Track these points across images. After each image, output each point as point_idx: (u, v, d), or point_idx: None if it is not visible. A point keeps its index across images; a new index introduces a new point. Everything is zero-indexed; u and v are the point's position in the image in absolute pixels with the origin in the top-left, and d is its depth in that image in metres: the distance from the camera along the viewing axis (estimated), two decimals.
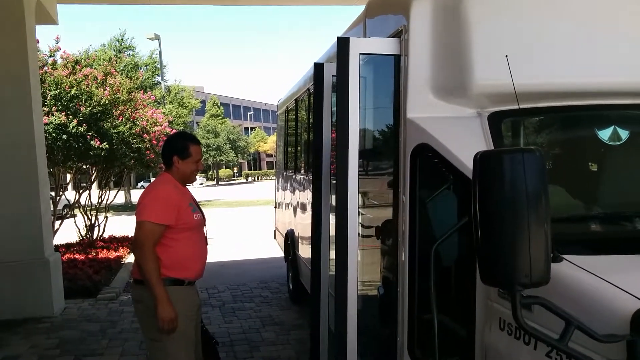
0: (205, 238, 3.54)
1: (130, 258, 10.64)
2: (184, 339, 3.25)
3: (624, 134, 2.77)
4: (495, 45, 2.61)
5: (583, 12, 2.76)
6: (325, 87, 3.92)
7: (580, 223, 2.64)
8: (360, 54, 2.95)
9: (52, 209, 8.99)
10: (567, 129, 3.09)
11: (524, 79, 2.50)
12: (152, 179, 26.10)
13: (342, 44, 2.94)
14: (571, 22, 2.72)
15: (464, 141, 2.63)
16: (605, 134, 2.76)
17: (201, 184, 49.45)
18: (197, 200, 3.64)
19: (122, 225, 13.49)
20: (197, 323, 3.44)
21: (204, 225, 3.53)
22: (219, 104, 57.52)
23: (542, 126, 3.07)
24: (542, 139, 3.08)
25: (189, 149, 3.38)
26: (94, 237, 11.66)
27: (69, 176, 12.45)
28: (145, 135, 11.27)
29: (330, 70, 3.75)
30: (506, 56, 2.39)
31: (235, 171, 63.61)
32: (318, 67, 3.91)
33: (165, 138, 12.49)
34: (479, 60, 2.64)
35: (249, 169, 68.67)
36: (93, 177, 12.11)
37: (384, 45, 2.98)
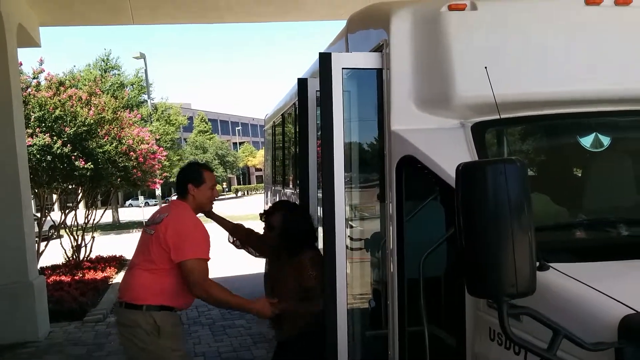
0: None
1: (118, 278, 10.51)
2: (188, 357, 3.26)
3: (605, 141, 2.81)
4: (475, 56, 2.64)
5: (561, 22, 2.80)
6: (309, 102, 3.94)
7: (565, 230, 2.66)
8: (342, 68, 2.97)
9: (36, 230, 8.87)
10: (550, 137, 3.13)
11: (505, 89, 2.52)
12: (141, 197, 25.68)
13: (325, 59, 2.96)
14: (548, 32, 2.77)
15: (448, 152, 2.65)
16: (587, 141, 2.79)
17: None
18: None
19: (110, 245, 13.35)
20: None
21: None
22: (206, 120, 57.47)
23: (525, 135, 3.10)
24: (525, 147, 3.11)
25: (202, 175, 3.39)
26: (81, 257, 11.52)
27: (54, 196, 12.33)
28: (131, 153, 11.21)
29: (314, 85, 3.77)
30: (485, 67, 2.41)
31: (224, 186, 63.37)
32: (302, 83, 3.94)
33: (152, 156, 12.48)
34: (460, 72, 2.67)
35: (239, 183, 68.49)
36: (79, 196, 12.00)
37: (365, 60, 3.00)
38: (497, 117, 2.47)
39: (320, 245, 3.59)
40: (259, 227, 3.86)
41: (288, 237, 3.42)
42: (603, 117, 2.85)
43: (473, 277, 1.84)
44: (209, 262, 3.22)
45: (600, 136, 2.78)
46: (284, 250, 3.53)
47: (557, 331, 1.82)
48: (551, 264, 2.13)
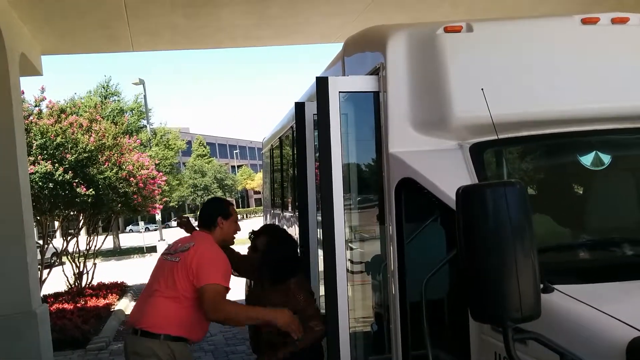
0: None
1: (120, 305, 10.44)
2: None
3: (606, 159, 2.80)
4: (472, 78, 2.65)
5: (557, 41, 2.82)
6: (307, 125, 3.95)
7: (568, 251, 2.64)
8: (339, 92, 2.98)
9: (39, 258, 8.83)
10: (549, 156, 3.12)
11: (502, 109, 2.53)
12: (141, 222, 25.68)
13: (322, 83, 2.97)
14: (544, 52, 2.78)
15: (447, 174, 2.64)
16: (587, 160, 2.78)
17: None
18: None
19: (111, 271, 13.29)
20: None
21: None
22: (204, 144, 57.67)
23: (523, 155, 3.09)
24: (524, 167, 3.10)
25: (229, 209, 3.54)
26: (83, 285, 11.45)
27: (56, 223, 12.30)
28: (132, 179, 11.22)
29: (311, 109, 3.79)
30: (482, 89, 2.42)
31: None
32: (299, 107, 3.95)
33: (152, 181, 12.48)
34: (457, 94, 2.68)
35: (237, 206, 68.31)
36: (81, 223, 11.98)
37: (362, 83, 3.02)
38: (495, 137, 2.47)
39: (321, 268, 3.57)
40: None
41: (270, 263, 3.43)
42: (603, 135, 2.84)
43: (476, 302, 1.82)
44: (227, 292, 3.23)
45: (600, 154, 2.76)
46: (266, 277, 3.52)
47: (563, 355, 1.79)
48: (555, 286, 2.10)
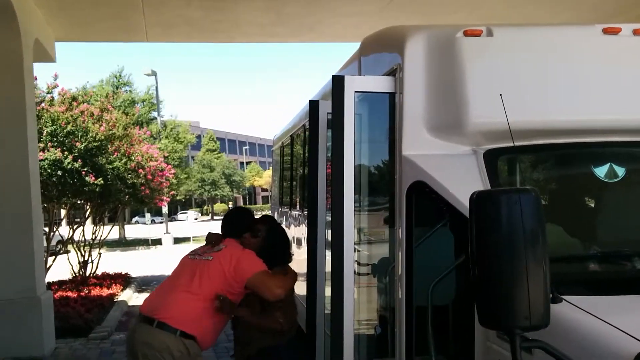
0: None
1: (123, 295, 10.48)
2: None
3: (620, 171, 2.77)
4: (490, 82, 2.63)
5: (576, 51, 2.80)
6: (320, 124, 3.93)
7: (578, 262, 2.62)
8: (355, 92, 2.97)
9: (45, 245, 8.89)
10: (563, 166, 3.10)
11: (519, 116, 2.51)
12: (147, 214, 25.76)
13: (337, 82, 2.96)
14: (564, 61, 2.76)
15: (459, 179, 2.62)
16: (601, 172, 2.76)
17: (196, 219, 49.23)
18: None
19: (116, 262, 13.34)
20: None
21: None
22: (215, 139, 57.80)
23: (538, 163, 3.07)
24: (538, 176, 3.08)
25: (259, 228, 3.63)
26: (87, 274, 11.50)
27: (63, 212, 12.36)
28: (140, 170, 11.25)
29: (325, 108, 3.77)
30: (500, 95, 2.40)
31: (230, 206, 63.45)
32: (313, 105, 3.94)
33: (160, 173, 12.51)
34: (474, 98, 2.66)
35: (244, 203, 68.43)
36: (87, 212, 12.03)
37: (378, 84, 3.00)
38: (510, 144, 2.45)
39: (328, 268, 3.56)
40: None
41: (268, 248, 3.60)
42: (619, 147, 2.82)
43: (485, 309, 1.81)
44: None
45: (615, 167, 2.74)
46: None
47: None
48: (564, 297, 2.09)
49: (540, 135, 2.73)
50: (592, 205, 3.12)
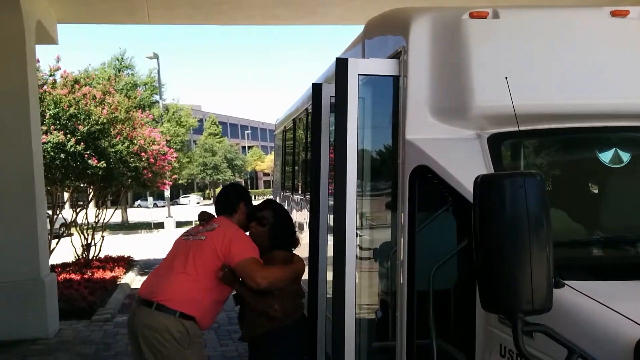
0: None
1: (126, 278, 10.54)
2: None
3: (625, 157, 2.75)
4: (496, 65, 2.60)
5: (583, 33, 2.76)
6: (323, 107, 3.90)
7: (581, 247, 2.61)
8: (359, 74, 2.94)
9: (48, 228, 8.92)
10: (568, 151, 3.07)
11: (524, 100, 2.48)
12: (150, 198, 25.74)
13: (341, 65, 2.93)
14: (571, 43, 2.72)
15: (463, 163, 2.61)
16: (606, 157, 2.73)
17: (198, 203, 49.31)
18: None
19: (119, 245, 13.40)
20: None
21: None
22: (217, 123, 57.70)
23: (542, 148, 3.05)
24: (542, 161, 3.06)
25: (249, 195, 3.68)
26: (90, 256, 11.56)
27: (66, 195, 12.39)
28: (142, 154, 11.25)
29: (328, 91, 3.74)
30: (506, 78, 2.37)
31: None
32: (316, 88, 3.90)
33: (163, 157, 12.49)
34: (479, 82, 2.63)
35: (246, 187, 68.59)
36: (90, 195, 12.06)
37: (382, 66, 2.97)
38: (515, 128, 2.43)
39: (330, 253, 3.56)
40: None
41: (273, 233, 3.55)
42: (625, 132, 2.79)
43: (488, 292, 1.80)
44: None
45: (620, 152, 2.72)
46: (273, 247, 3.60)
47: (571, 350, 1.78)
48: (566, 282, 2.09)
49: (546, 119, 2.71)
50: (597, 190, 3.11)
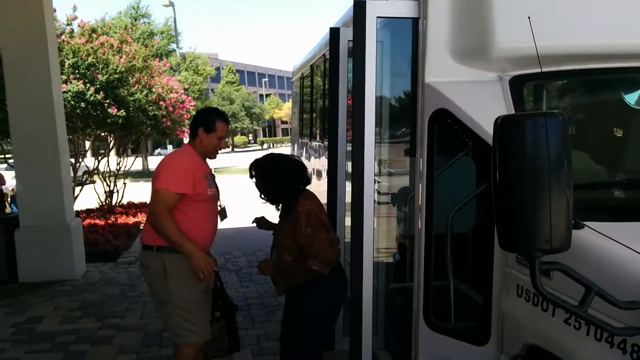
0: (217, 213, 3.53)
1: None
2: (195, 303, 3.29)
3: None
4: (518, 5, 2.52)
5: None
6: (341, 52, 3.85)
7: (602, 189, 2.60)
8: (377, 17, 2.88)
9: (72, 175, 9.09)
10: (592, 92, 3.01)
11: (548, 40, 2.41)
12: (169, 146, 25.99)
13: (359, 7, 2.87)
14: None
15: (484, 106, 2.58)
16: (631, 98, 2.68)
17: None
18: (214, 167, 3.64)
19: (140, 192, 13.63)
20: (208, 287, 3.42)
21: (218, 200, 3.51)
22: (234, 71, 57.19)
23: (565, 90, 2.99)
24: (565, 103, 3.01)
25: (215, 123, 3.36)
26: (113, 203, 11.83)
27: (87, 143, 12.56)
28: (161, 102, 11.27)
29: (346, 35, 3.68)
30: (529, 17, 2.31)
31: (250, 138, 63.64)
32: (334, 32, 3.84)
33: (181, 105, 12.50)
34: (500, 22, 2.56)
35: (264, 135, 68.53)
36: (111, 144, 12.22)
37: (401, 8, 2.90)
38: (537, 70, 2.38)
39: (348, 199, 3.59)
40: None
41: (274, 187, 3.18)
42: None
43: (506, 232, 1.81)
44: (178, 196, 3.18)
45: None
46: (282, 205, 3.28)
47: (589, 288, 1.80)
48: (586, 223, 2.09)
49: (570, 60, 2.64)
50: (620, 132, 3.06)
